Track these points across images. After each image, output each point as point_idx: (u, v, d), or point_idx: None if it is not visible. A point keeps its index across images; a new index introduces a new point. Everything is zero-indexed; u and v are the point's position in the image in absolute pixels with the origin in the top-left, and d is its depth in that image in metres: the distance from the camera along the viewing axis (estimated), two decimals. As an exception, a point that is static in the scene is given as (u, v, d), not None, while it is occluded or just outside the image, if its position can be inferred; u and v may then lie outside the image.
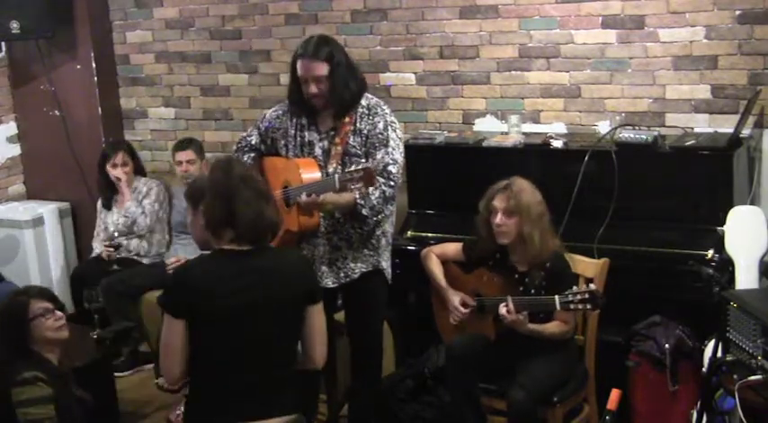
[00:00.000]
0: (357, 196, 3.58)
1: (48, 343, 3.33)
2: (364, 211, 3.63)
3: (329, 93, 3.65)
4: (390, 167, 3.64)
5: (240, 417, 2.85)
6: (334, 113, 3.72)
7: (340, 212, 3.69)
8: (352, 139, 3.70)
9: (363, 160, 3.66)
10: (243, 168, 3.05)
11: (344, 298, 3.94)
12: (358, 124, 3.71)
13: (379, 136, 3.68)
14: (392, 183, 3.66)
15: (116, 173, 5.20)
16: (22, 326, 3.31)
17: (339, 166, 3.66)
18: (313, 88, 3.65)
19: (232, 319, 2.84)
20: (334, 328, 4.08)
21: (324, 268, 3.76)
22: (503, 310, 3.61)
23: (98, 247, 5.32)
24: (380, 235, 3.81)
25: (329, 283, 3.77)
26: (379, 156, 3.66)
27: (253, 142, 3.93)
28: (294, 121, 3.81)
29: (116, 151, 5.26)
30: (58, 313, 3.32)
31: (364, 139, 3.69)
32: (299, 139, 3.78)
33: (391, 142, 3.69)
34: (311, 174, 3.65)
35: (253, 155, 3.93)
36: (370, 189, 3.58)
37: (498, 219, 3.71)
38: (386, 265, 3.85)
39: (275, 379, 2.92)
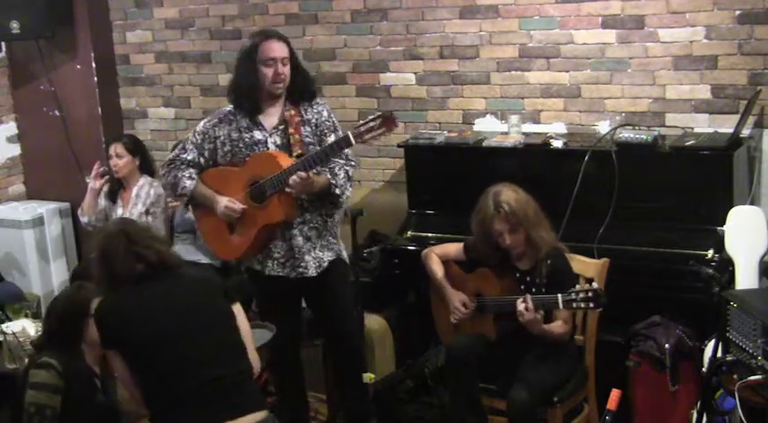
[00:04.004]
0: (329, 176, 3.70)
1: (95, 343, 3.30)
2: (337, 191, 3.74)
3: (291, 74, 3.78)
4: (346, 150, 3.74)
5: None
6: (288, 104, 3.80)
7: (317, 194, 3.74)
8: (303, 130, 3.78)
9: (318, 148, 3.75)
10: (116, 225, 3.24)
11: (308, 296, 3.98)
12: (305, 115, 3.81)
13: (327, 123, 3.85)
14: (352, 162, 3.84)
15: (111, 163, 5.17)
16: (78, 319, 3.31)
17: (301, 152, 3.72)
18: (281, 69, 3.75)
19: (159, 337, 2.94)
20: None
21: (307, 258, 3.82)
22: (521, 306, 3.59)
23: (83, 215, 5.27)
24: (337, 222, 3.93)
25: (313, 272, 3.83)
26: (331, 140, 3.77)
27: (189, 158, 3.89)
28: (234, 125, 3.84)
29: (112, 143, 5.22)
30: None
31: (314, 128, 3.82)
32: (246, 139, 3.81)
33: (338, 127, 3.86)
34: (287, 161, 3.70)
35: (193, 170, 3.89)
36: (336, 169, 3.72)
37: (508, 240, 3.71)
38: (344, 252, 3.98)
39: (229, 382, 2.95)
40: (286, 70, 3.76)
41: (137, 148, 5.23)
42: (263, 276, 3.90)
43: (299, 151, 3.73)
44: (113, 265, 3.01)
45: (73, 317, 3.32)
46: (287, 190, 3.66)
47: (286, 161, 3.70)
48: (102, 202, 5.14)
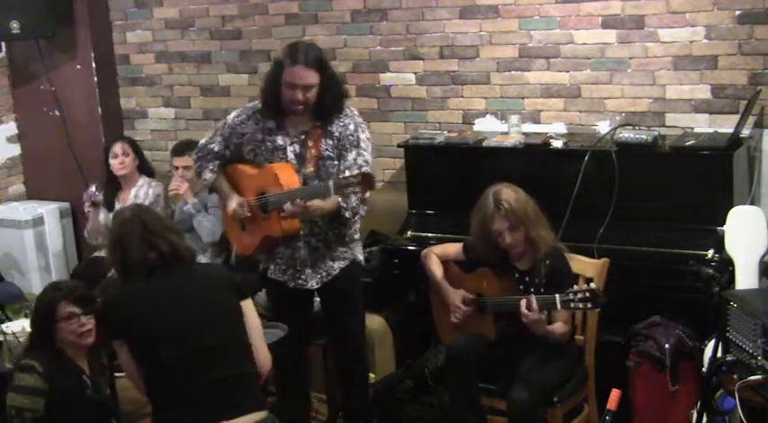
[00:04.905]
0: (340, 200, 3.61)
1: (69, 346, 3.32)
2: (347, 214, 3.69)
3: (316, 100, 3.67)
4: (365, 169, 3.63)
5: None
6: (313, 118, 3.73)
7: (324, 217, 3.71)
8: (324, 143, 3.72)
9: (336, 162, 3.71)
10: (132, 211, 3.19)
11: (324, 297, 3.96)
12: (329, 128, 3.73)
13: (350, 137, 3.73)
14: None
15: (116, 162, 5.14)
16: (45, 321, 3.32)
17: (314, 169, 3.69)
18: (300, 96, 3.64)
19: (167, 332, 2.95)
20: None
21: (308, 271, 3.81)
22: (524, 306, 3.58)
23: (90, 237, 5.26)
24: (353, 232, 3.87)
25: (313, 284, 3.82)
26: (350, 157, 3.71)
27: (216, 149, 3.89)
28: (260, 125, 3.80)
29: (115, 142, 5.21)
30: (83, 319, 3.29)
31: (336, 141, 3.73)
32: (268, 143, 3.78)
33: (362, 143, 3.74)
34: (291, 180, 3.65)
35: (217, 162, 3.90)
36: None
37: (507, 239, 3.70)
38: (360, 255, 3.95)
39: (231, 382, 2.95)
40: (308, 96, 3.64)
41: (136, 148, 5.25)
42: (267, 277, 3.92)
43: (312, 168, 3.70)
44: (128, 252, 3.02)
45: (42, 319, 3.33)
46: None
47: (289, 182, 3.64)
48: (102, 216, 5.14)
